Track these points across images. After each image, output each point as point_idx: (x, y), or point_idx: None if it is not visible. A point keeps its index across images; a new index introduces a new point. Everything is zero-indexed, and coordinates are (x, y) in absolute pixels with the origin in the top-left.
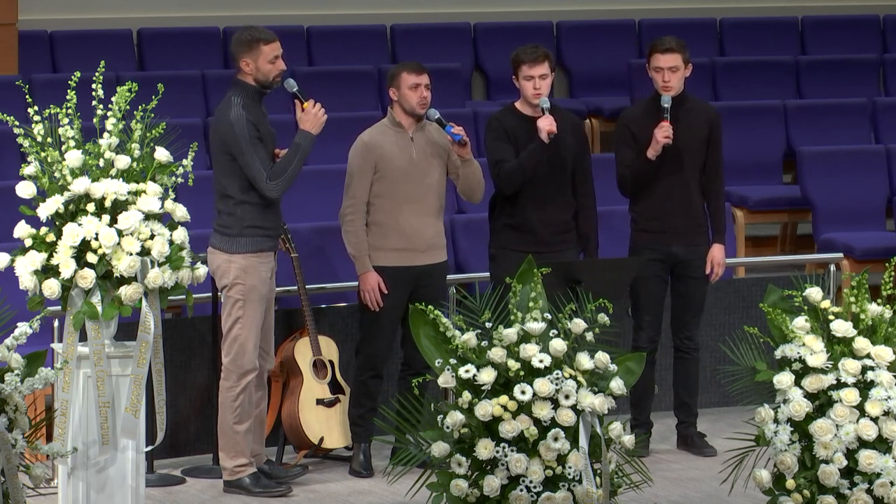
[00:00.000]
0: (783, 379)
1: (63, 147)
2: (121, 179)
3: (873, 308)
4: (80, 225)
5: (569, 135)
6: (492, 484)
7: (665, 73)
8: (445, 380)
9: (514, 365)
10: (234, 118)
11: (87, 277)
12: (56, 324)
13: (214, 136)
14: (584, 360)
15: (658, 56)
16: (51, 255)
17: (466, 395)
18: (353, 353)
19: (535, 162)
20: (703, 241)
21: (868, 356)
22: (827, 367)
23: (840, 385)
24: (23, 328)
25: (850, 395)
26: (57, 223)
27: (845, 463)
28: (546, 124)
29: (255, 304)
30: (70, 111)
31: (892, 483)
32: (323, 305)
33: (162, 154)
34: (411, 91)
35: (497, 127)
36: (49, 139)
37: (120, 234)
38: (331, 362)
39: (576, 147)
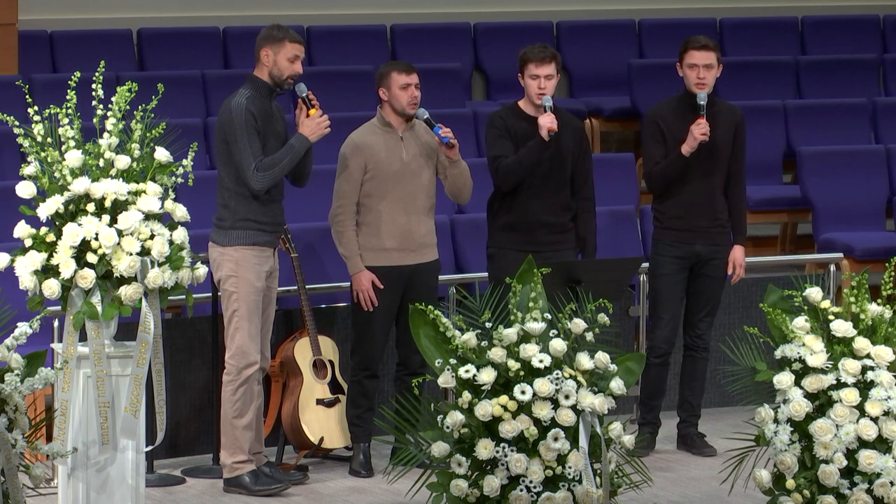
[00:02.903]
0: (783, 379)
1: (63, 147)
2: (121, 179)
3: (873, 308)
4: (80, 225)
5: (569, 137)
6: (492, 484)
7: (700, 70)
8: (445, 380)
9: (514, 365)
10: (233, 106)
11: (87, 277)
12: (56, 324)
13: (216, 126)
14: (584, 360)
15: (693, 52)
16: (51, 255)
17: (466, 395)
18: (349, 354)
19: (533, 159)
20: (725, 241)
21: (868, 356)
22: (827, 367)
23: (840, 385)
24: (23, 328)
25: (850, 395)
26: (57, 223)
27: (845, 463)
28: (547, 121)
29: (250, 297)
30: (70, 111)
31: (892, 483)
32: (323, 305)
33: (162, 154)
34: (402, 91)
35: (500, 124)
36: (49, 139)
37: (120, 234)
38: (331, 362)
39: (576, 150)
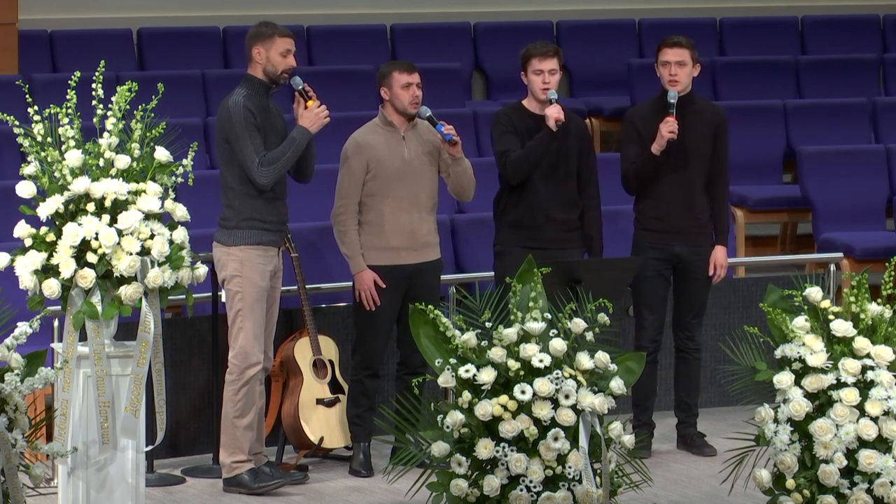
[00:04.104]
0: (783, 379)
1: (63, 147)
2: (121, 179)
3: (873, 308)
4: (80, 225)
5: (573, 136)
6: (492, 484)
7: (672, 67)
8: (445, 380)
9: (514, 365)
10: (231, 104)
11: (87, 277)
12: (56, 324)
13: (216, 126)
14: (584, 360)
15: (666, 50)
16: (51, 255)
17: (466, 395)
18: (349, 354)
19: (541, 151)
20: (706, 241)
21: (868, 356)
22: (827, 366)
23: (840, 385)
24: (23, 328)
25: (850, 395)
26: (57, 223)
27: (845, 463)
28: (554, 112)
29: (255, 297)
30: (70, 111)
31: (892, 483)
32: (323, 305)
33: (162, 154)
34: (403, 90)
35: (505, 121)
36: (49, 139)
37: (120, 233)
38: (331, 362)
39: (580, 148)
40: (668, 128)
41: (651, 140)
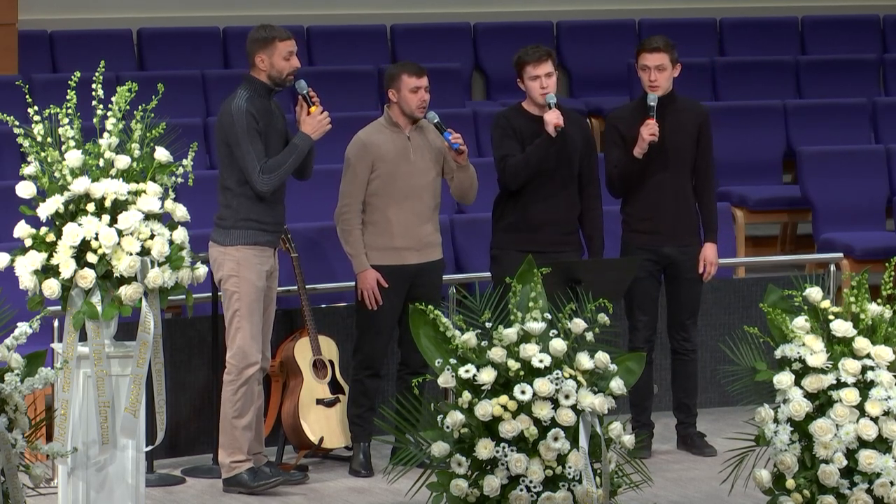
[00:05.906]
0: (783, 379)
1: (63, 147)
2: (121, 179)
3: (873, 308)
4: (80, 225)
5: (576, 136)
6: (492, 484)
7: (651, 72)
8: (445, 380)
9: (514, 365)
10: (234, 109)
11: (87, 277)
12: (56, 324)
13: (217, 128)
14: (584, 360)
15: (645, 55)
16: (51, 255)
17: (466, 395)
18: (350, 353)
19: (540, 156)
20: (695, 241)
21: (868, 356)
22: (827, 367)
23: (840, 385)
24: (23, 328)
25: (850, 395)
26: (57, 223)
27: (845, 463)
28: (553, 118)
29: (251, 296)
30: (70, 111)
31: (892, 483)
32: (323, 305)
33: (162, 154)
34: (412, 94)
35: (505, 124)
36: (49, 139)
37: (120, 234)
38: (331, 362)
39: (583, 148)
40: (649, 130)
41: (633, 142)
